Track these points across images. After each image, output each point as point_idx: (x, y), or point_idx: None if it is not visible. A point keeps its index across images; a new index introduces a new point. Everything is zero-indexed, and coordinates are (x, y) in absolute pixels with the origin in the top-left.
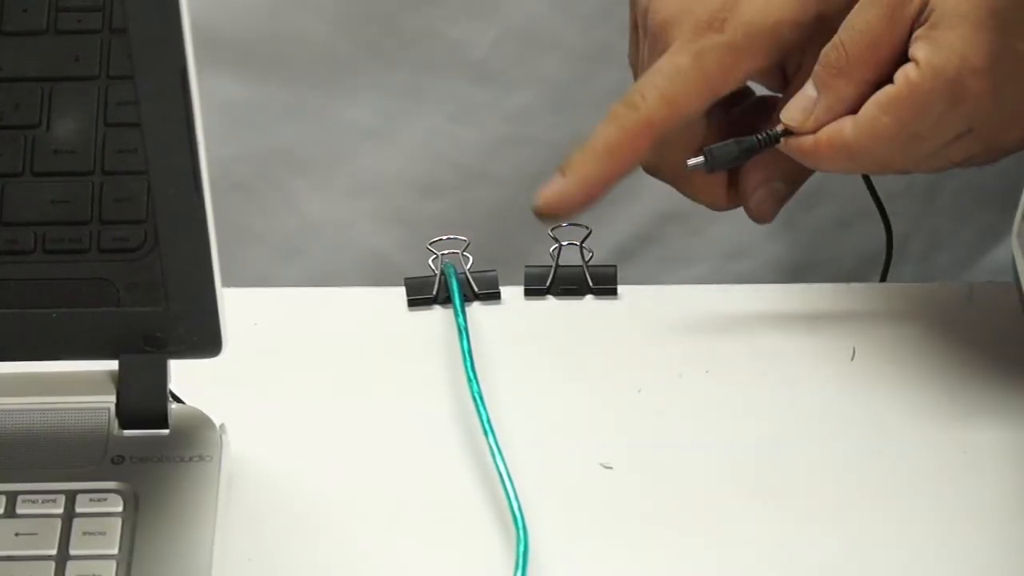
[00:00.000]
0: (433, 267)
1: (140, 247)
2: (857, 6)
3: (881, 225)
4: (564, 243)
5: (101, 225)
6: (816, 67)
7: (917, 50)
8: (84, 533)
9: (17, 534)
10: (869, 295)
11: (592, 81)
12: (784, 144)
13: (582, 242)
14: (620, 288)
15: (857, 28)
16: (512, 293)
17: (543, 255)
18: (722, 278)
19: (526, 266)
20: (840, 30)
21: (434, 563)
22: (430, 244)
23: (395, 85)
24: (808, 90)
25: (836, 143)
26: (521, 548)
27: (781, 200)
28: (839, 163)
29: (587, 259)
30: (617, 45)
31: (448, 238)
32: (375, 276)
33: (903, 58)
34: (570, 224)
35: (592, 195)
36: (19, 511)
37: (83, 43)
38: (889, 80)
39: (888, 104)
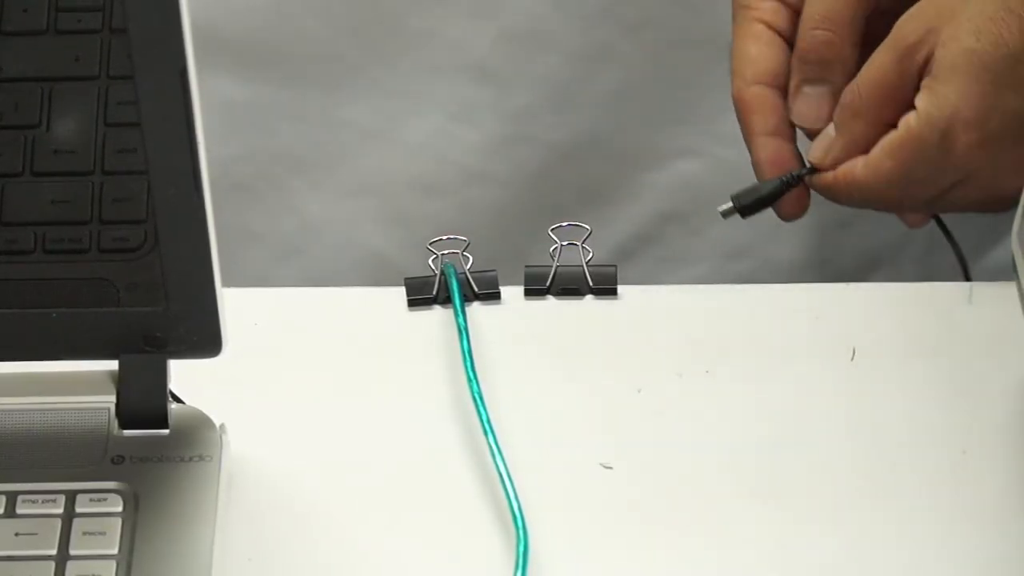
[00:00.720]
0: (433, 267)
1: (140, 247)
2: (875, 51)
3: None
4: (564, 243)
5: (101, 225)
6: (836, 107)
7: (919, 99)
8: (84, 533)
9: (17, 534)
10: (869, 295)
11: (592, 81)
12: (809, 180)
13: (582, 242)
14: (620, 288)
15: (871, 72)
16: (512, 293)
17: (543, 255)
18: (722, 278)
19: (526, 266)
20: (859, 74)
21: (434, 563)
22: (430, 244)
23: (395, 85)
24: (829, 130)
25: (848, 180)
26: (521, 548)
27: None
28: (852, 199)
29: (587, 259)
30: (617, 45)
31: (448, 238)
32: (375, 276)
33: (912, 105)
34: (570, 224)
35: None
36: (19, 511)
37: (83, 43)
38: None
39: (891, 148)
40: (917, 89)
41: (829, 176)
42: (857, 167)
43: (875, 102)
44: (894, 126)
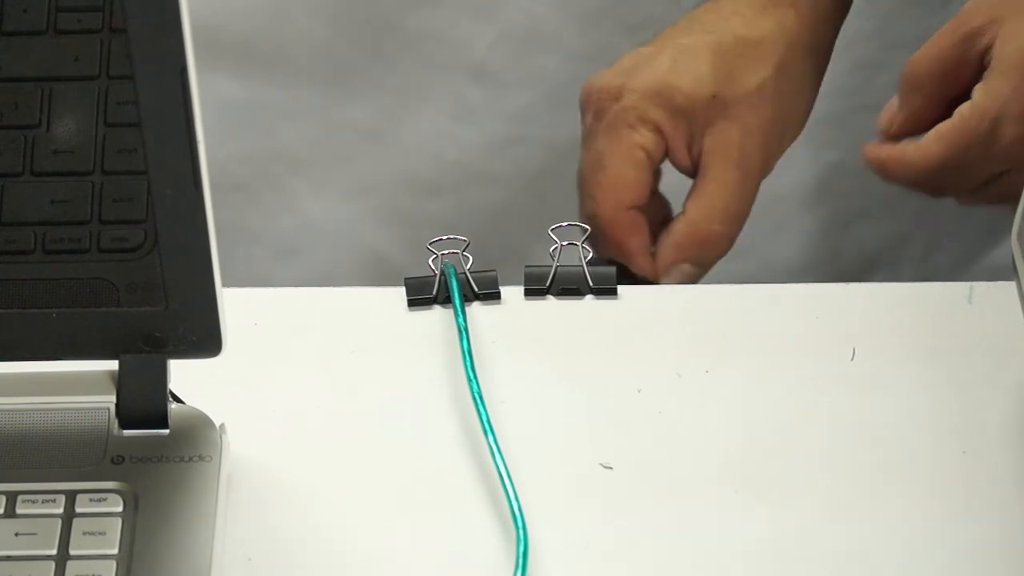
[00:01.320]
0: (433, 267)
1: (140, 247)
2: (938, 31)
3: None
4: (564, 243)
5: (101, 225)
6: (900, 81)
7: (976, 90)
8: (84, 533)
9: (17, 534)
10: (869, 295)
11: None
12: (864, 152)
13: (582, 242)
14: (620, 288)
15: (931, 49)
16: (512, 293)
17: (543, 255)
18: (722, 278)
19: (526, 266)
20: (919, 50)
21: (434, 563)
22: (430, 244)
23: (395, 85)
24: (894, 102)
25: (899, 159)
26: (521, 548)
27: (691, 279)
28: (900, 178)
29: (587, 259)
30: (617, 45)
31: (448, 238)
32: (375, 276)
33: (969, 87)
34: (570, 224)
35: None
36: (19, 511)
37: (83, 43)
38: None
39: (943, 133)
40: (975, 73)
41: (884, 152)
42: (908, 149)
43: (933, 77)
44: (953, 104)
